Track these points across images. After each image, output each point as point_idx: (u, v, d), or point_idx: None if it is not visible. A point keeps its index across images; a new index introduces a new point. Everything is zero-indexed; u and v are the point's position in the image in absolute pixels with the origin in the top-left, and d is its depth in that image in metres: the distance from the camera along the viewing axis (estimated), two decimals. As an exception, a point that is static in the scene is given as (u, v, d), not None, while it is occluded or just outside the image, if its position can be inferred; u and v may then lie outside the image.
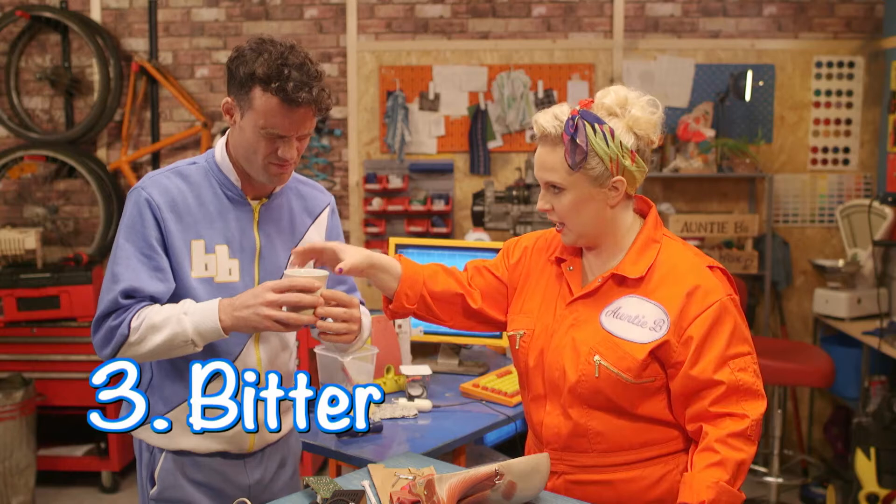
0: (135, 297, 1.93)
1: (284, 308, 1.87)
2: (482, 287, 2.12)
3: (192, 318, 1.90)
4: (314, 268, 2.00)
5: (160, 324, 1.90)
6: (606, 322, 1.88)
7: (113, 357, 1.93)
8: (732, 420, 1.80)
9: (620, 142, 1.82)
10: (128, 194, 2.01)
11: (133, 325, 1.91)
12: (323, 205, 2.23)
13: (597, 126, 1.81)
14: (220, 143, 2.07)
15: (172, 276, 1.98)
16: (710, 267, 1.90)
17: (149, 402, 2.06)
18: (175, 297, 2.00)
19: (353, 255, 1.98)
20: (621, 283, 1.91)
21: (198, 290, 1.99)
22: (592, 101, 1.87)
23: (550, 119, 1.85)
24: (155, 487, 2.09)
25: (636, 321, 1.86)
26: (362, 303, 2.26)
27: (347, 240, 5.05)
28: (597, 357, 1.85)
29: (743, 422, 1.80)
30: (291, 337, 2.23)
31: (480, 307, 2.10)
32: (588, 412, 1.89)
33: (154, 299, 1.96)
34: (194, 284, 2.00)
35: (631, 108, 1.84)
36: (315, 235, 2.20)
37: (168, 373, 2.06)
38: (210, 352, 2.02)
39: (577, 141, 1.81)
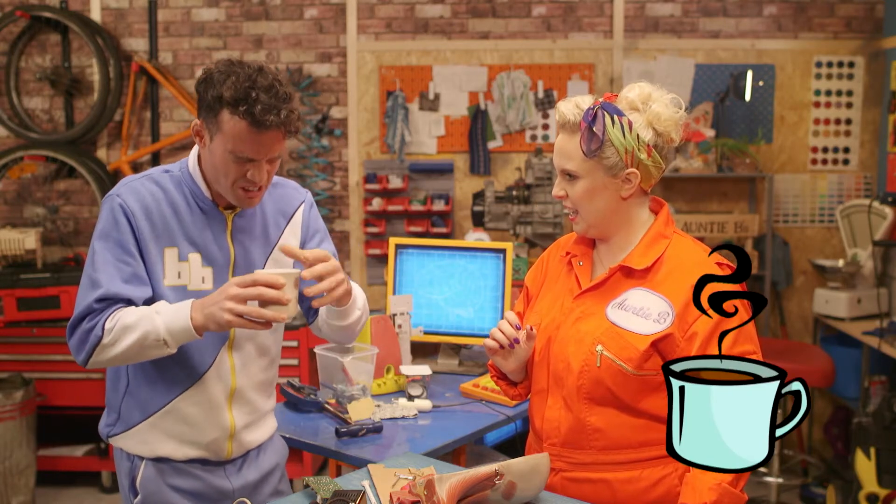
0: (109, 300, 1.92)
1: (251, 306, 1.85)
2: None
3: (164, 317, 1.88)
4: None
5: (133, 324, 1.88)
6: (612, 314, 1.90)
7: (87, 361, 1.94)
8: None
9: (638, 135, 1.86)
10: (103, 201, 2.00)
11: (107, 326, 1.89)
12: (297, 203, 2.20)
13: (615, 117, 1.85)
14: (193, 152, 2.06)
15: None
16: (719, 264, 1.91)
17: (127, 411, 2.07)
18: (149, 304, 1.97)
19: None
20: (628, 275, 1.92)
21: (170, 298, 1.98)
22: (617, 96, 1.91)
23: (571, 107, 1.90)
24: (138, 497, 2.07)
25: (640, 313, 1.87)
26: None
27: (347, 239, 5.07)
28: (599, 347, 1.87)
29: None
30: (272, 342, 2.19)
31: None
32: (589, 406, 1.89)
33: (130, 303, 1.95)
34: (167, 292, 1.98)
35: (653, 104, 1.88)
36: (290, 237, 2.17)
37: (144, 379, 2.05)
38: (183, 360, 2.02)
39: (594, 129, 1.85)
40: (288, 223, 2.17)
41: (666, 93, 1.91)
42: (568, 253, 2.05)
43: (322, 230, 2.26)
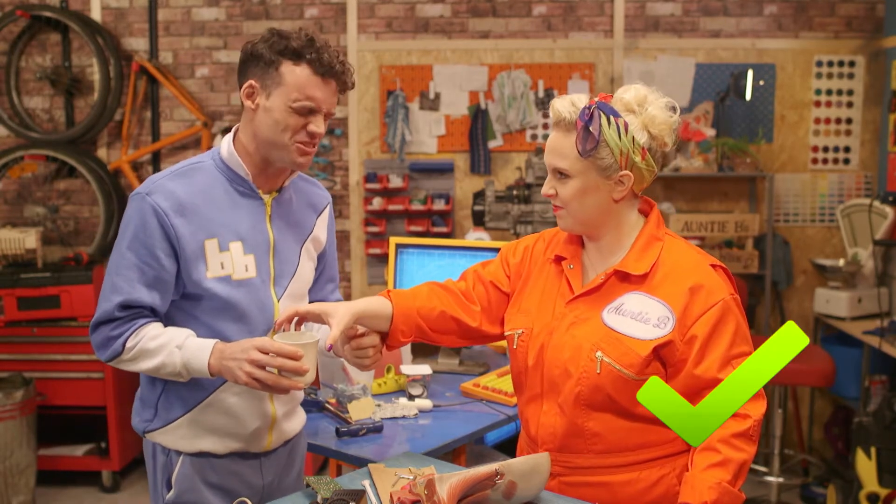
0: (132, 308, 1.94)
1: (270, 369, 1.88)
2: (483, 301, 2.09)
3: (185, 353, 1.92)
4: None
5: (153, 350, 1.93)
6: (609, 319, 1.88)
7: (107, 363, 1.99)
8: (735, 420, 1.79)
9: (633, 137, 1.84)
10: (130, 198, 1.98)
11: (128, 345, 1.94)
12: (325, 202, 2.25)
13: (612, 118, 1.82)
14: (225, 140, 2.05)
15: (186, 281, 1.97)
16: (713, 266, 1.90)
17: (165, 407, 2.07)
18: (194, 299, 1.99)
19: (340, 318, 1.90)
20: (624, 279, 1.90)
21: (216, 290, 1.98)
22: (612, 97, 1.88)
23: (567, 105, 1.86)
24: (172, 492, 2.06)
25: (639, 318, 1.85)
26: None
27: (348, 239, 5.07)
28: (599, 353, 1.84)
29: (745, 422, 1.79)
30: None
31: (478, 325, 2.08)
32: (586, 412, 1.88)
33: (153, 310, 1.97)
34: (212, 285, 1.97)
35: (648, 106, 1.85)
36: (321, 230, 2.21)
37: None
38: None
39: (591, 129, 1.82)
40: (318, 217, 2.21)
41: (661, 96, 1.89)
42: (557, 256, 2.02)
43: (335, 239, 2.32)
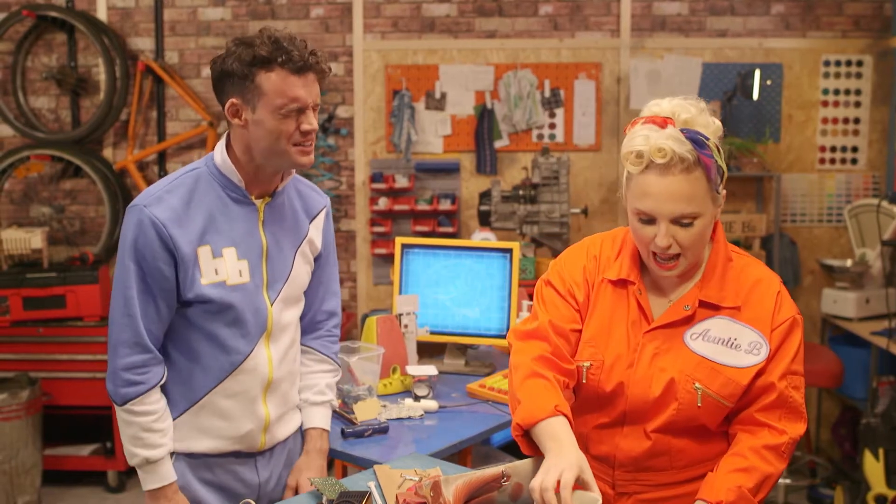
0: (150, 348, 2.00)
1: None
2: (570, 352, 1.90)
3: (143, 471, 2.02)
4: None
5: (138, 437, 2.00)
6: (695, 346, 1.81)
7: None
8: (770, 433, 1.78)
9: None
10: (128, 210, 2.01)
11: (130, 406, 1.99)
12: (320, 206, 2.26)
13: (707, 142, 1.70)
14: (219, 147, 2.07)
15: (183, 288, 2.00)
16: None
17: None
18: (190, 305, 2.02)
19: (591, 472, 1.65)
20: (704, 305, 1.84)
21: (211, 295, 2.01)
22: (669, 120, 1.73)
23: (675, 143, 1.68)
24: None
25: (729, 344, 1.80)
26: (332, 359, 2.37)
27: (353, 239, 5.06)
28: (697, 385, 1.79)
29: (780, 437, 1.78)
30: (298, 332, 2.25)
31: (576, 379, 1.91)
32: (675, 434, 1.84)
33: (160, 323, 2.02)
34: (207, 290, 2.01)
35: (705, 119, 1.75)
36: (315, 234, 2.22)
37: (176, 378, 2.07)
38: (220, 347, 2.04)
39: (719, 162, 1.72)
40: (311, 222, 2.22)
41: (697, 101, 1.78)
42: (623, 280, 1.89)
43: (333, 244, 2.33)
